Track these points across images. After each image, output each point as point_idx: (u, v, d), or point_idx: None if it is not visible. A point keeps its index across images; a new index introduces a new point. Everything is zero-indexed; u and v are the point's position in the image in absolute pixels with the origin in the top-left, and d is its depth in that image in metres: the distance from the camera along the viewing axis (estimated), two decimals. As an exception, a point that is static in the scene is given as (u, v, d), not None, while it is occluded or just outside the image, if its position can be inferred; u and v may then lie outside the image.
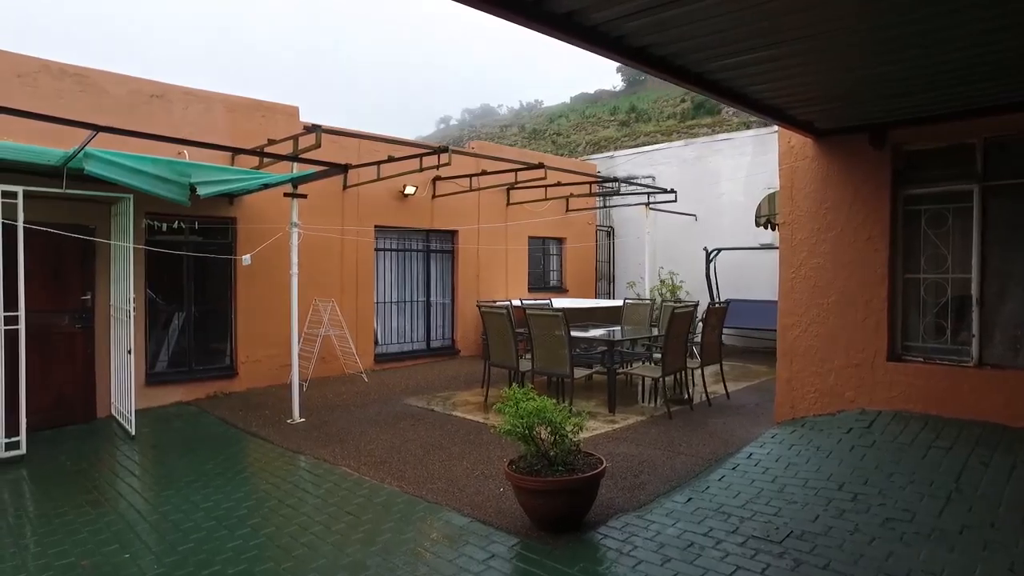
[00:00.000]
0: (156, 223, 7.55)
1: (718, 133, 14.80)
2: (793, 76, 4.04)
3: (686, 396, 7.56)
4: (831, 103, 4.78)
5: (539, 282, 13.30)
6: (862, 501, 4.20)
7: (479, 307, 7.90)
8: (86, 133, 5.35)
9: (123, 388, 6.95)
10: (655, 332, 8.42)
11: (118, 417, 7.15)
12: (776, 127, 12.32)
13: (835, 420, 5.54)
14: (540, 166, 9.12)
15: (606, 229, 14.90)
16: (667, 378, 7.19)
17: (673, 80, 3.85)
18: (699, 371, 7.81)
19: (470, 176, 10.22)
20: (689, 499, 4.49)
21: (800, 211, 5.85)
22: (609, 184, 12.25)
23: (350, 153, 9.51)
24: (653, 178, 14.15)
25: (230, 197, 8.36)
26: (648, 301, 9.90)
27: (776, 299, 12.29)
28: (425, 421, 6.98)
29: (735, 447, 5.73)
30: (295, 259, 7.05)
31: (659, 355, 8.75)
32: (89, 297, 7.39)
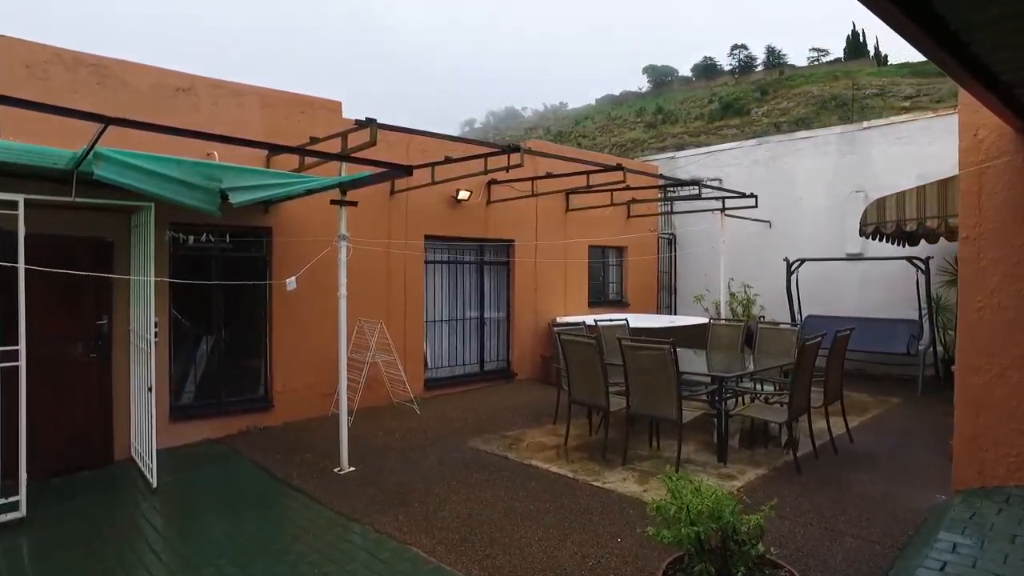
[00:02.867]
0: (181, 235, 6.50)
1: (794, 132, 13.44)
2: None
3: (803, 440, 6.28)
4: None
5: (598, 296, 12.08)
6: None
7: (558, 334, 6.72)
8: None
9: (143, 430, 5.89)
10: (763, 362, 7.15)
11: (138, 462, 6.09)
12: (907, 120, 11.07)
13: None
14: (618, 168, 7.92)
15: (668, 237, 13.63)
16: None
17: (918, 34, 2.65)
18: (821, 410, 6.52)
19: (531, 179, 9.05)
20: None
21: (992, 223, 4.58)
22: (678, 188, 10.99)
23: (397, 153, 8.41)
24: (720, 180, 12.87)
25: (266, 205, 7.30)
26: (739, 322, 8.63)
27: (868, 316, 11.29)
28: (500, 474, 5.80)
29: (910, 525, 4.47)
30: (343, 278, 5.93)
31: (765, 385, 7.55)
32: (105, 321, 6.36)
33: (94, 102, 6.27)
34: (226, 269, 7.42)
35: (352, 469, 5.95)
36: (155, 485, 5.48)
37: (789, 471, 5.75)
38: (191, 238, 6.50)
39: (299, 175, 6.12)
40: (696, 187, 9.24)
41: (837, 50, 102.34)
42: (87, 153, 4.61)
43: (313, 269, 6.86)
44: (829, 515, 4.72)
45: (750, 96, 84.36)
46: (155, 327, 6.15)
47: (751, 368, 7.01)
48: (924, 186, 8.20)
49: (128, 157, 4.82)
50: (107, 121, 3.87)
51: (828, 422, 6.49)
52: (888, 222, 8.44)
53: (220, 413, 7.33)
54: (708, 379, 6.63)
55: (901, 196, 8.36)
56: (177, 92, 6.98)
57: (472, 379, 9.85)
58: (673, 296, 13.74)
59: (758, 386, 7.53)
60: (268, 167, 7.31)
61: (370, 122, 5.80)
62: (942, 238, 8.99)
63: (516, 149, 6.78)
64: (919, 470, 5.76)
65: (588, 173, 8.22)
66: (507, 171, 7.33)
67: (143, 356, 5.83)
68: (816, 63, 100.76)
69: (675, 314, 13.36)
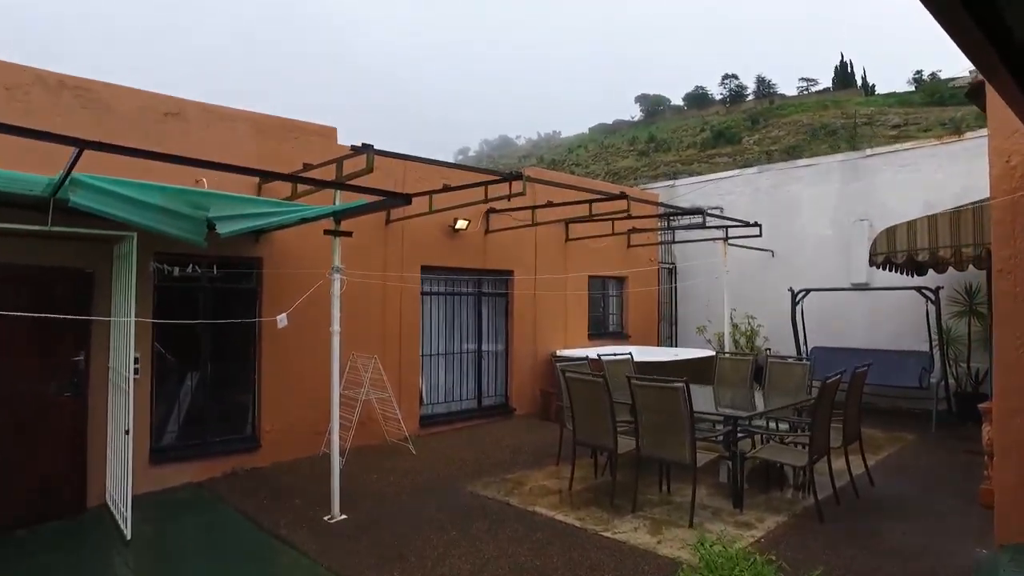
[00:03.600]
0: (166, 266, 6.15)
1: (796, 159, 13.29)
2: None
3: (821, 481, 5.91)
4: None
5: (598, 328, 11.75)
6: None
7: (562, 371, 6.37)
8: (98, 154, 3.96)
9: (119, 476, 5.48)
10: (775, 399, 6.82)
11: (113, 510, 5.66)
12: (911, 147, 10.87)
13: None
14: (622, 196, 7.66)
15: (668, 267, 13.37)
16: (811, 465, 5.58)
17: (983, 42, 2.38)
18: (838, 450, 6.16)
19: (531, 208, 8.79)
20: None
21: (1029, 254, 4.31)
22: (683, 216, 10.75)
23: (393, 180, 8.14)
24: (721, 209, 12.65)
25: (256, 234, 6.98)
26: (747, 356, 8.31)
27: (876, 347, 11.00)
28: (503, 523, 5.41)
29: (955, 583, 4.12)
30: (336, 312, 5.59)
31: (773, 422, 7.19)
32: (82, 358, 5.98)
33: (78, 126, 5.97)
34: (214, 301, 7.07)
35: (344, 517, 5.54)
36: (129, 537, 5.06)
37: (810, 518, 5.38)
38: (176, 269, 6.15)
39: (291, 203, 5.82)
40: (700, 216, 8.99)
41: (826, 80, 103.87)
42: (64, 179, 4.30)
43: (305, 302, 6.52)
44: (865, 572, 4.36)
45: (741, 125, 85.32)
46: (136, 364, 5.80)
47: (762, 406, 6.68)
48: (936, 215, 7.98)
49: (108, 184, 4.51)
50: (82, 145, 3.55)
51: (848, 464, 6.14)
52: (899, 252, 8.19)
53: (204, 454, 6.91)
54: (720, 418, 6.28)
55: (912, 225, 8.13)
56: (166, 116, 6.70)
57: (469, 415, 9.46)
58: (674, 327, 13.43)
59: (771, 424, 7.18)
60: (260, 194, 7.02)
61: (367, 148, 5.52)
62: (951, 267, 8.74)
63: (518, 177, 6.51)
64: (953, 519, 5.40)
65: (591, 202, 7.97)
66: (508, 199, 7.06)
67: (122, 395, 5.45)
68: (805, 92, 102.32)
69: (676, 346, 13.04)
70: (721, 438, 6.15)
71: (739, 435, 6.02)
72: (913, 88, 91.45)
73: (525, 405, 10.07)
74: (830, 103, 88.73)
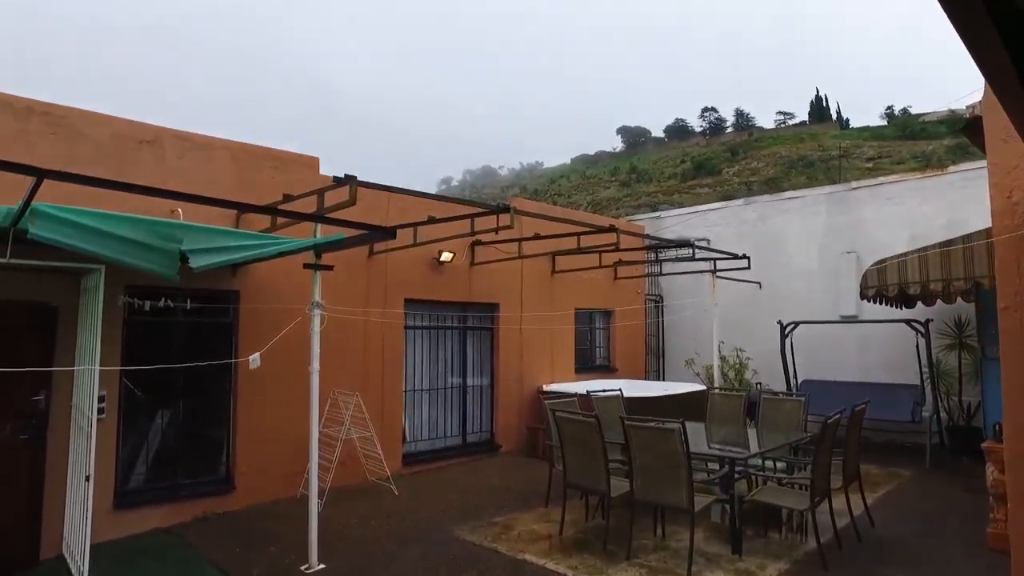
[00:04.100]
0: (137, 300, 5.86)
1: (778, 191, 13.30)
2: None
3: (819, 521, 5.68)
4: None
5: (585, 361, 11.53)
6: None
7: (552, 411, 6.12)
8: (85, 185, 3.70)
9: (78, 523, 5.10)
10: (770, 436, 6.62)
11: (69, 562, 5.27)
12: (896, 180, 10.86)
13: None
14: (612, 229, 7.52)
15: (654, 299, 13.23)
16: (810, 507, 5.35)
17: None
18: (841, 492, 5.94)
19: (518, 240, 8.61)
20: None
21: (1036, 290, 4.18)
22: (671, 248, 10.64)
23: (376, 212, 7.94)
24: (707, 241, 12.61)
25: (233, 267, 6.71)
26: (740, 392, 8.13)
27: (867, 380, 10.88)
28: (491, 573, 5.10)
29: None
30: (316, 350, 5.32)
31: (769, 461, 6.97)
32: (43, 397, 5.63)
33: (47, 154, 5.73)
34: (188, 336, 6.77)
35: (322, 567, 5.21)
36: (86, 592, 4.68)
37: (814, 565, 5.14)
38: (148, 303, 5.85)
39: (270, 236, 5.57)
40: (690, 248, 8.87)
41: (802, 113, 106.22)
42: (23, 209, 4.03)
43: (284, 337, 6.23)
44: (874, 627, 4.12)
45: (721, 156, 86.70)
46: (101, 403, 5.48)
47: (757, 444, 6.46)
48: (927, 250, 7.93)
49: (72, 215, 4.24)
50: (39, 174, 3.31)
51: (849, 504, 5.93)
52: (890, 285, 8.12)
53: (174, 497, 6.54)
54: (717, 459, 6.05)
55: (903, 259, 8.09)
56: (140, 144, 6.47)
57: (453, 453, 9.13)
58: (661, 360, 13.25)
59: (766, 463, 6.96)
60: (238, 225, 6.79)
61: (349, 179, 5.31)
62: (939, 300, 8.69)
63: (505, 209, 6.32)
64: (962, 566, 5.19)
65: (579, 235, 7.81)
66: (496, 232, 6.87)
67: (84, 437, 5.10)
68: (783, 125, 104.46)
69: (664, 379, 12.85)
70: (717, 480, 5.90)
71: (737, 476, 5.80)
72: (886, 123, 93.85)
73: (511, 441, 9.77)
74: (807, 136, 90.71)
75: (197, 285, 6.44)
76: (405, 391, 8.67)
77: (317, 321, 5.32)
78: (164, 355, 6.71)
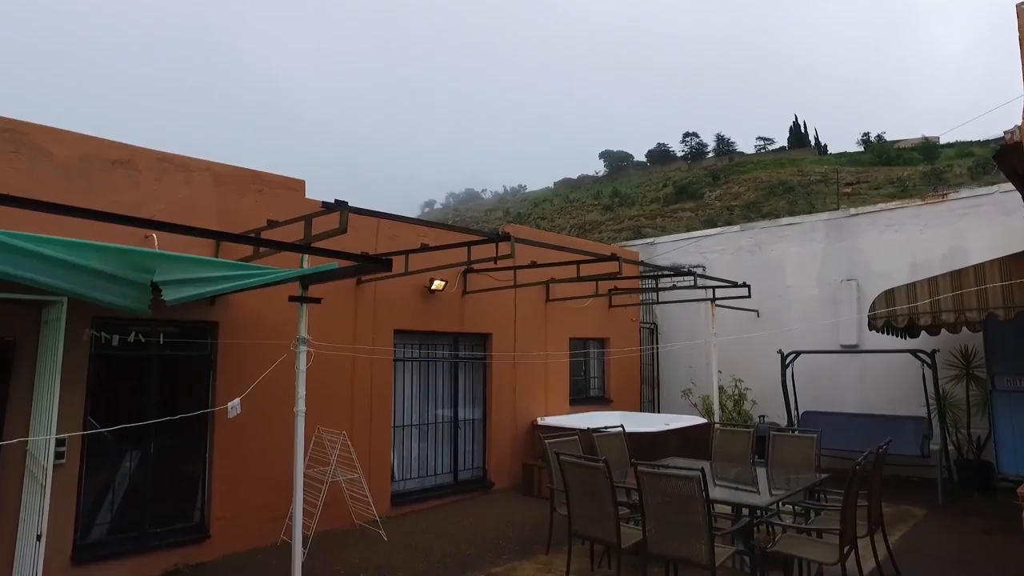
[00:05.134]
0: (104, 334, 5.37)
1: (780, 218, 13.09)
2: None
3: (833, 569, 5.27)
4: None
5: (580, 392, 11.11)
6: None
7: (555, 453, 5.68)
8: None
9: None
10: (784, 477, 6.23)
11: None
12: (896, 207, 10.59)
13: None
14: (614, 258, 7.16)
15: (649, 327, 12.90)
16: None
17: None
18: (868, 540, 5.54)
19: (513, 268, 8.23)
20: None
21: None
22: (669, 276, 10.32)
23: (365, 239, 7.55)
24: (703, 267, 12.35)
25: (212, 296, 6.25)
26: (747, 427, 7.78)
27: (870, 412, 10.37)
28: (493, 638, 4.63)
29: None
30: (302, 390, 4.86)
31: (793, 506, 6.58)
32: (-6, 442, 5.09)
33: (7, 175, 5.28)
34: (161, 372, 6.29)
35: (305, 632, 4.70)
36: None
37: (844, 625, 4.74)
38: (116, 337, 5.37)
39: (252, 266, 5.13)
40: (691, 276, 8.56)
41: (781, 139, 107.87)
42: (-26, 239, 3.58)
43: (267, 372, 5.76)
44: None
45: (703, 181, 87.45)
46: (61, 447, 4.99)
47: (768, 486, 6.08)
48: (936, 277, 7.69)
49: (32, 243, 3.79)
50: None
51: (875, 550, 5.55)
52: (900, 315, 7.85)
53: (141, 548, 5.98)
54: (736, 504, 5.65)
55: (912, 287, 7.84)
56: (113, 165, 6.03)
57: (445, 491, 8.63)
58: (657, 390, 12.87)
59: (781, 505, 6.57)
60: (218, 253, 6.34)
61: (340, 205, 4.92)
62: (944, 329, 8.44)
63: (505, 238, 5.94)
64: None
65: (579, 263, 7.46)
66: (495, 262, 6.48)
67: (38, 489, 4.58)
68: (763, 151, 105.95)
69: (660, 410, 12.47)
70: (740, 530, 5.48)
71: (757, 521, 5.40)
72: (862, 148, 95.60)
73: (505, 478, 9.29)
74: (786, 161, 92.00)
75: (172, 316, 5.97)
76: (394, 426, 8.19)
77: (303, 358, 4.87)
78: (135, 393, 6.24)
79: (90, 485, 5.83)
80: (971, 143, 77.94)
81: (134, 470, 6.22)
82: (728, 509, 5.96)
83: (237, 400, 4.75)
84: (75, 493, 5.59)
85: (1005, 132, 4.24)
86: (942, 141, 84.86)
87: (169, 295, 4.24)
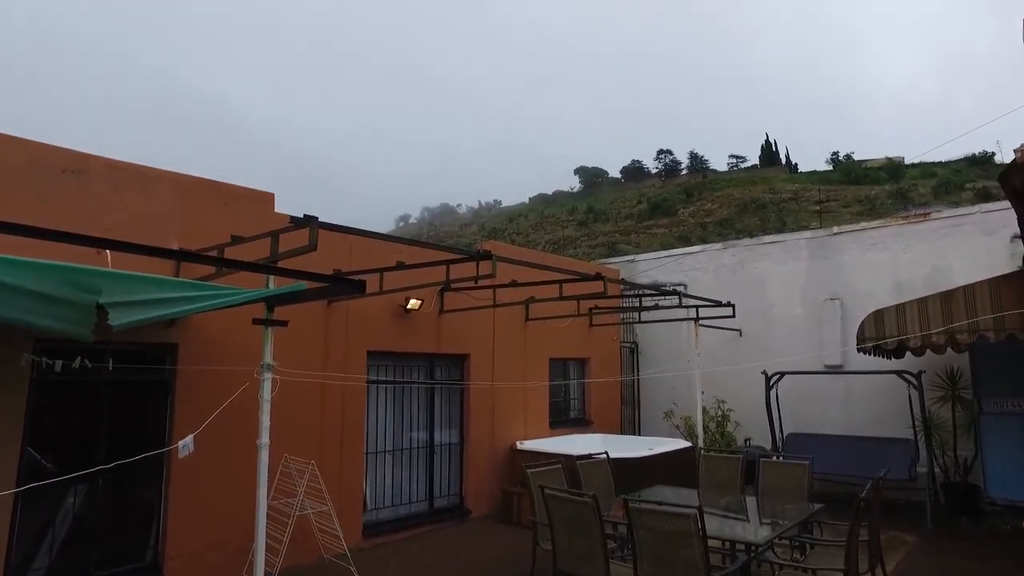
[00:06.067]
0: (45, 359, 4.89)
1: (753, 234, 12.97)
2: None
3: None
4: None
5: (559, 414, 10.76)
6: None
7: (539, 487, 5.32)
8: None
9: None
10: (776, 506, 5.96)
11: None
12: (879, 226, 10.48)
13: None
14: (598, 277, 6.86)
15: (629, 346, 12.63)
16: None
17: None
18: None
19: (493, 287, 7.89)
20: None
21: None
22: (651, 294, 10.08)
23: (337, 256, 7.14)
24: (685, 286, 12.12)
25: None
26: (735, 453, 7.51)
27: (856, 434, 10.26)
28: None
29: None
30: (266, 421, 4.45)
31: (791, 541, 6.27)
32: (-79, 480, 4.58)
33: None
34: (113, 398, 5.81)
35: None
36: None
37: (850, 672, 4.44)
38: (58, 363, 4.89)
39: (212, 286, 4.71)
40: (676, 296, 8.31)
41: (753, 157, 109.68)
42: None
43: (225, 397, 5.32)
44: None
45: (677, 198, 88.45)
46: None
47: (758, 516, 5.82)
48: (927, 298, 7.55)
49: (-45, 261, 3.35)
50: None
51: (874, 584, 5.27)
52: (889, 338, 7.68)
53: (85, 593, 5.46)
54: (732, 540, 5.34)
55: (901, 309, 7.69)
56: (63, 174, 5.57)
57: (420, 520, 8.19)
58: (637, 411, 12.58)
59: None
60: (179, 270, 5.89)
61: (309, 221, 4.54)
62: (928, 350, 8.29)
63: (487, 256, 5.60)
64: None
65: (562, 282, 7.16)
66: (475, 281, 6.13)
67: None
68: (735, 168, 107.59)
69: (640, 432, 12.18)
70: (737, 570, 5.16)
71: (754, 555, 5.09)
72: (831, 167, 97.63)
73: (483, 505, 8.87)
74: (758, 179, 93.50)
75: (126, 339, 5.47)
76: (367, 452, 7.76)
77: (268, 386, 4.46)
78: (83, 420, 5.75)
79: (27, 524, 5.31)
80: (934, 164, 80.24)
81: (79, 505, 5.71)
82: (719, 542, 5.67)
83: (190, 437, 4.31)
84: (7, 535, 5.06)
85: (1015, 150, 4.06)
86: (907, 162, 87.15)
87: (116, 319, 3.81)
